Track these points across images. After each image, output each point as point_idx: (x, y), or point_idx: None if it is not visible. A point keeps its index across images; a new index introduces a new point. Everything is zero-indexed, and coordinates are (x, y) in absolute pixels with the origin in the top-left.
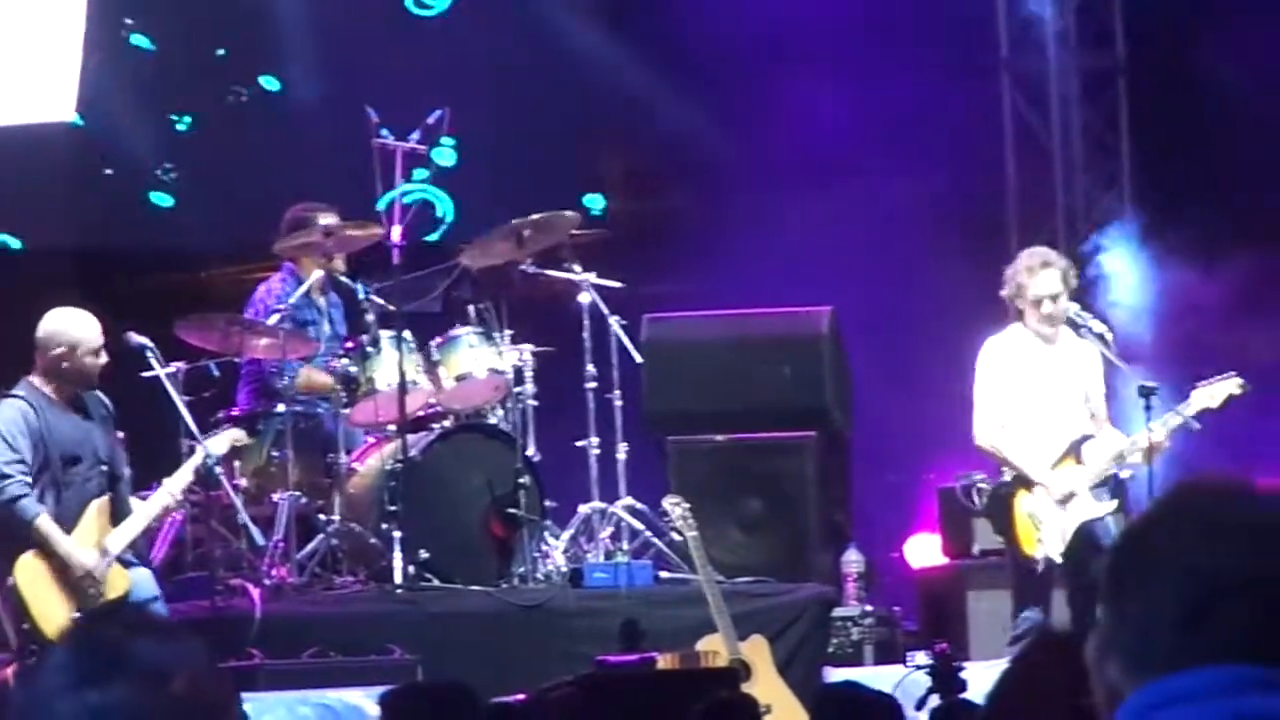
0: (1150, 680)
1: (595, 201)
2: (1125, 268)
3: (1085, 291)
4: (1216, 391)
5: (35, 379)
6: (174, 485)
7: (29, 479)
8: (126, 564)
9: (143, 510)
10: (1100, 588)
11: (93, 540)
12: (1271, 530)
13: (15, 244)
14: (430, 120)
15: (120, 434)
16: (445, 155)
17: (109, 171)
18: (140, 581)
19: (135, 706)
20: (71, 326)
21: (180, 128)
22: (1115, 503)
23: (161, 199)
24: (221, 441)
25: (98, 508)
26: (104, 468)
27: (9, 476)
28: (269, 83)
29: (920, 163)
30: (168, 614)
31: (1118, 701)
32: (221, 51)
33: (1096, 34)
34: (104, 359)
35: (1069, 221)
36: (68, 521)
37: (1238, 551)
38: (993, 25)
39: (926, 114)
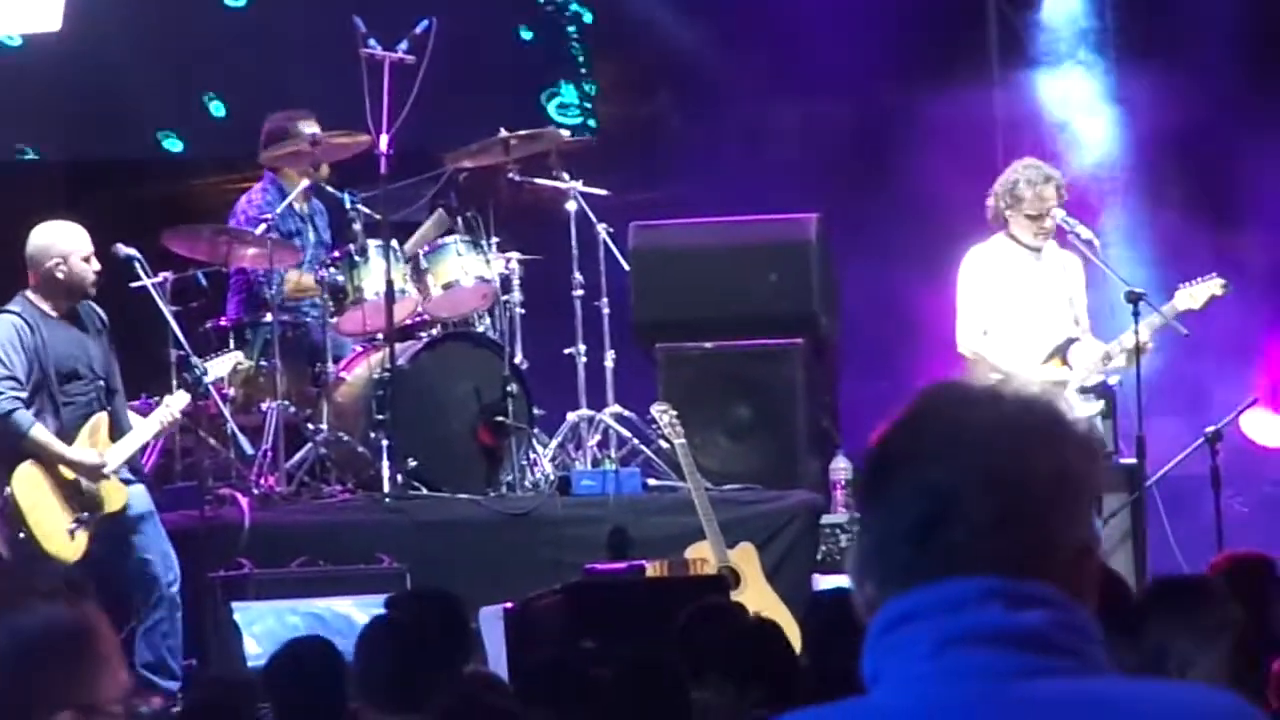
0: (892, 596)
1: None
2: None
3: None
4: (1198, 292)
5: (30, 294)
6: (175, 404)
7: (20, 394)
8: (124, 480)
9: (142, 427)
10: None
11: None
12: (1005, 433)
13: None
14: (418, 30)
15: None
16: None
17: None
18: (136, 496)
19: None
20: (60, 238)
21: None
22: (1101, 404)
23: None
24: (223, 364)
25: (93, 424)
26: (101, 382)
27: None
28: None
29: (906, 69)
30: (162, 528)
31: None
32: None
33: None
34: (96, 266)
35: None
36: (68, 440)
37: (968, 460)
38: None
39: (912, 21)
